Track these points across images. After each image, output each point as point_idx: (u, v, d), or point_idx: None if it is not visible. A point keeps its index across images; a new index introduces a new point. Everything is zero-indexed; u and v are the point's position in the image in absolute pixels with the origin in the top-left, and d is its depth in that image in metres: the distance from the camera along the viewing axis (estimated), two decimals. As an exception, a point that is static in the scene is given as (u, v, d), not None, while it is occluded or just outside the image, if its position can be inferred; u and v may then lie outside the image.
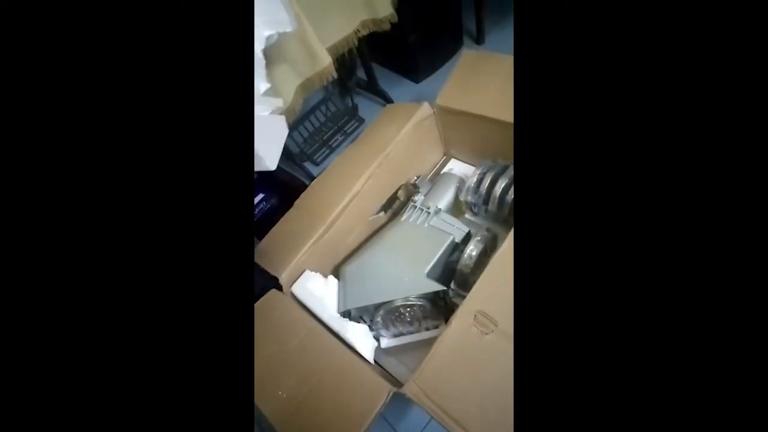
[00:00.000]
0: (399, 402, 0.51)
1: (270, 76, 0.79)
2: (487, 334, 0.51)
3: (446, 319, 0.69)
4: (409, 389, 0.50)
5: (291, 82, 0.85)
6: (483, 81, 0.78)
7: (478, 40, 1.32)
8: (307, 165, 1.21)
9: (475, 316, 0.53)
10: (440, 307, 0.67)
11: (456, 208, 0.82)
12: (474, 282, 0.68)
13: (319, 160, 1.21)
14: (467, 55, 0.83)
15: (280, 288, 0.69)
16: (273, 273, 0.69)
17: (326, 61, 0.87)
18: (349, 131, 1.24)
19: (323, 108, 1.23)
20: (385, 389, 0.52)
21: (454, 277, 0.69)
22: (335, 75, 0.91)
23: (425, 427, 0.79)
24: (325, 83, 0.90)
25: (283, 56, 0.80)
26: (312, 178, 1.12)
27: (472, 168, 0.89)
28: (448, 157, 0.93)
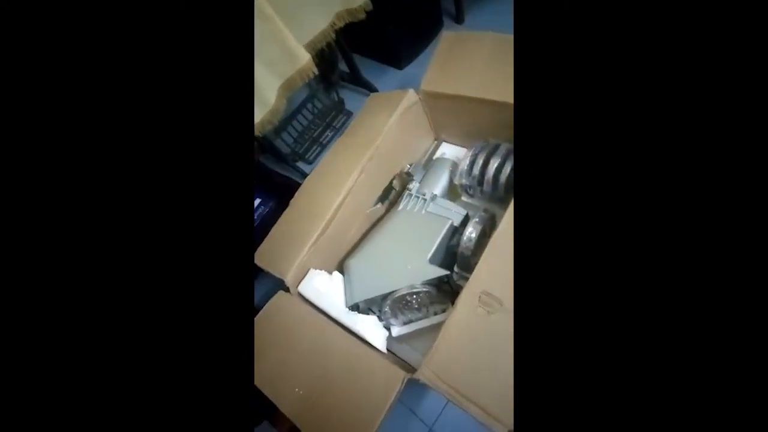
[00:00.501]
0: (417, 387, 0.53)
1: (251, 81, 0.79)
2: (492, 313, 0.52)
3: (453, 302, 0.70)
4: (423, 374, 0.51)
5: (272, 83, 0.84)
6: (465, 62, 0.77)
7: (458, 19, 1.30)
8: (301, 165, 1.21)
9: (479, 297, 0.54)
10: (446, 291, 0.68)
11: (451, 192, 0.82)
12: (476, 263, 0.69)
13: (311, 158, 1.21)
14: (447, 37, 0.82)
15: (286, 289, 0.70)
16: (278, 275, 0.70)
17: (305, 58, 0.86)
18: (338, 126, 1.23)
19: (309, 105, 1.22)
20: (400, 376, 0.53)
21: (457, 260, 0.70)
22: (316, 71, 0.90)
23: (443, 408, 0.81)
24: (307, 80, 0.89)
25: (260, 58, 0.79)
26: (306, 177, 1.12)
27: (464, 150, 0.89)
28: (438, 141, 0.93)
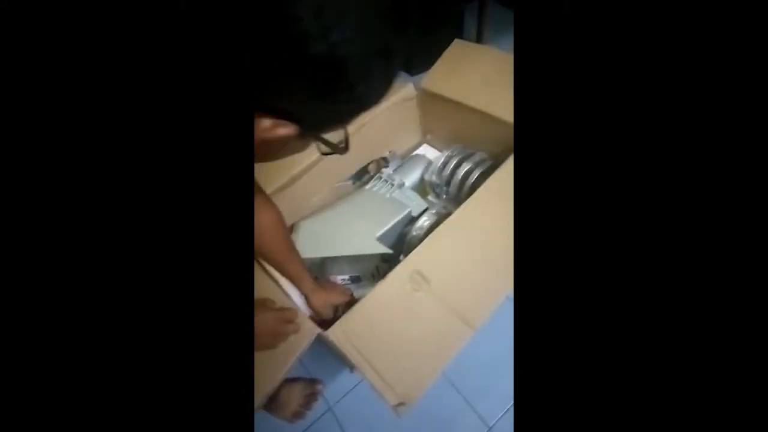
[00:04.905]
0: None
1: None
2: (417, 291, 0.52)
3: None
4: (333, 332, 0.51)
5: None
6: (467, 70, 0.81)
7: (478, 42, 1.36)
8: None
9: (411, 275, 0.54)
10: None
11: (421, 189, 0.84)
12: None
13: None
14: (457, 44, 0.85)
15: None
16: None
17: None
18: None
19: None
20: (313, 330, 0.52)
21: (404, 247, 0.70)
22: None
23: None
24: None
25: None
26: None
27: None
28: (424, 141, 0.95)
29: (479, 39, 1.34)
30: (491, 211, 0.59)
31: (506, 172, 0.62)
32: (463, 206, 0.59)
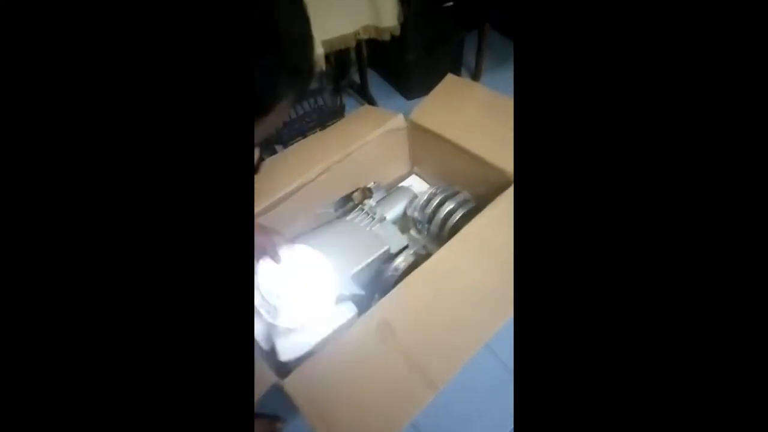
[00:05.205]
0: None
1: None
2: (382, 343, 0.50)
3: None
4: (290, 384, 0.48)
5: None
6: (457, 107, 0.80)
7: (475, 76, 1.36)
8: (278, 147, 1.20)
9: (377, 324, 0.52)
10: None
11: (404, 224, 0.82)
12: (395, 294, 0.67)
13: (288, 142, 1.20)
14: (450, 79, 0.85)
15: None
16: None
17: (317, 50, 0.88)
18: (329, 127, 1.24)
19: (312, 99, 1.23)
20: (269, 380, 0.49)
21: (380, 286, 0.68)
22: (323, 67, 0.92)
23: None
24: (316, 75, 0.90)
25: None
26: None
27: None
28: (411, 173, 0.93)
29: (478, 68, 1.34)
30: (467, 260, 0.57)
31: (486, 217, 0.60)
32: (438, 253, 0.57)
